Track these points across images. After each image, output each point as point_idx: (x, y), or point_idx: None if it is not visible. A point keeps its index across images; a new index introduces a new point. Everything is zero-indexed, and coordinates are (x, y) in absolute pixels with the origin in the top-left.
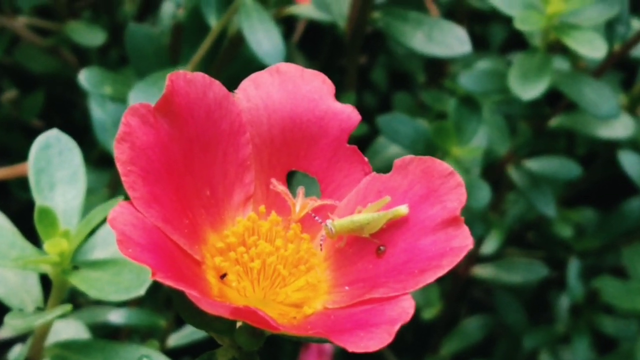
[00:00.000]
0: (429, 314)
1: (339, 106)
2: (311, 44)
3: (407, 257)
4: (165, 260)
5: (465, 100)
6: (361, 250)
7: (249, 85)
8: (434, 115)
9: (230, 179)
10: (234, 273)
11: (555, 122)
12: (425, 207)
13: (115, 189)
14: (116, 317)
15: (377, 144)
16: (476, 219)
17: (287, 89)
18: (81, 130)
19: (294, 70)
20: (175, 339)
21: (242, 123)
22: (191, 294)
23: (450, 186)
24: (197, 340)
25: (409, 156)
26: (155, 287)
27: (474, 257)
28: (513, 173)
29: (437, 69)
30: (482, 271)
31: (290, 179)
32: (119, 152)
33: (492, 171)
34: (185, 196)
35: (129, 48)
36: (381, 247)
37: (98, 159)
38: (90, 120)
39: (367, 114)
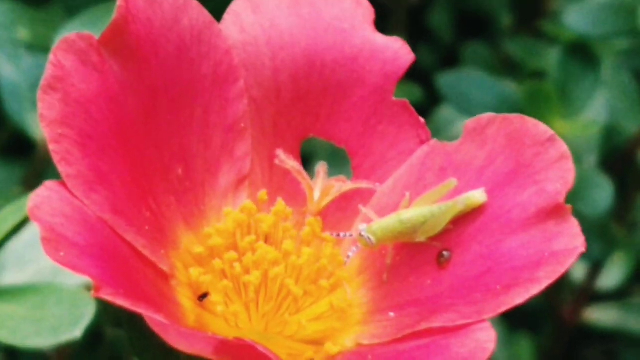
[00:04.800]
0: None
1: (380, 40)
2: None
3: (485, 267)
4: (115, 269)
5: (575, 50)
6: (414, 258)
7: (243, 7)
8: (526, 76)
9: (215, 151)
10: (220, 292)
11: None
12: (512, 192)
13: (33, 186)
14: None
15: (438, 117)
16: (591, 234)
17: (302, 14)
18: None
19: None
20: None
21: (233, 65)
22: (154, 318)
23: (550, 159)
24: None
25: (487, 114)
26: (95, 337)
27: (587, 293)
28: None
29: (531, 7)
30: (599, 315)
31: (306, 151)
32: (45, 107)
33: (616, 159)
34: (146, 175)
35: None
36: (445, 253)
37: (8, 144)
38: None
39: (424, 75)
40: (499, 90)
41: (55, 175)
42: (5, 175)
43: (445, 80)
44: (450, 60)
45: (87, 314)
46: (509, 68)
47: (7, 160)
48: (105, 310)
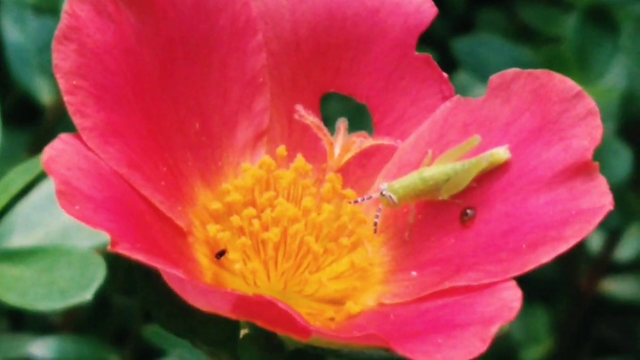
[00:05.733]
0: (532, 354)
1: None
2: None
3: (510, 225)
4: (131, 223)
5: (593, 15)
6: (437, 216)
7: None
8: (542, 43)
9: (232, 105)
10: (238, 249)
11: None
12: (537, 148)
13: (40, 153)
14: (42, 350)
15: (454, 84)
16: None
17: None
18: None
19: None
20: None
21: (252, 17)
22: (172, 274)
23: (577, 115)
24: None
25: (513, 70)
26: (103, 306)
27: (604, 264)
28: None
29: None
30: (616, 287)
31: (325, 107)
32: (60, 58)
33: (635, 127)
34: (162, 129)
35: None
36: (468, 211)
37: (14, 110)
38: (3, 48)
39: (438, 43)
40: (516, 55)
41: None
42: (11, 142)
43: (461, 45)
44: (464, 28)
45: (98, 276)
46: (524, 35)
47: (13, 127)
48: (114, 278)
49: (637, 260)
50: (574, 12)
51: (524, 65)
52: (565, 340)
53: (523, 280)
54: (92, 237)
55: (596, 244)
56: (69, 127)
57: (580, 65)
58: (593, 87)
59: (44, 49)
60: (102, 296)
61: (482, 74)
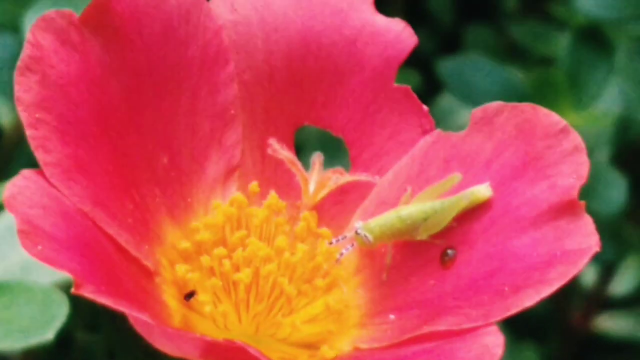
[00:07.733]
0: None
1: (381, 21)
2: None
3: (492, 267)
4: (96, 264)
5: (587, 35)
6: (415, 257)
7: None
8: (534, 63)
9: (202, 139)
10: (208, 291)
11: None
12: (521, 186)
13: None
14: None
15: (438, 107)
16: (603, 235)
17: None
18: None
19: None
20: None
21: (223, 47)
22: (138, 318)
23: (562, 151)
24: None
25: (496, 103)
26: (65, 343)
27: (598, 300)
28: None
29: None
30: (611, 324)
31: (300, 141)
32: (22, 90)
33: (631, 154)
34: (129, 164)
35: None
36: (449, 252)
37: None
38: None
39: (423, 62)
40: (504, 77)
41: (23, 164)
42: None
43: (447, 66)
44: (451, 45)
45: (60, 314)
46: (514, 54)
47: None
48: (77, 313)
49: (633, 295)
50: (567, 31)
51: (513, 87)
52: None
53: (511, 317)
54: (54, 272)
55: (590, 278)
56: (30, 151)
57: (573, 89)
58: (587, 111)
59: (4, 68)
60: (64, 332)
61: (468, 97)
